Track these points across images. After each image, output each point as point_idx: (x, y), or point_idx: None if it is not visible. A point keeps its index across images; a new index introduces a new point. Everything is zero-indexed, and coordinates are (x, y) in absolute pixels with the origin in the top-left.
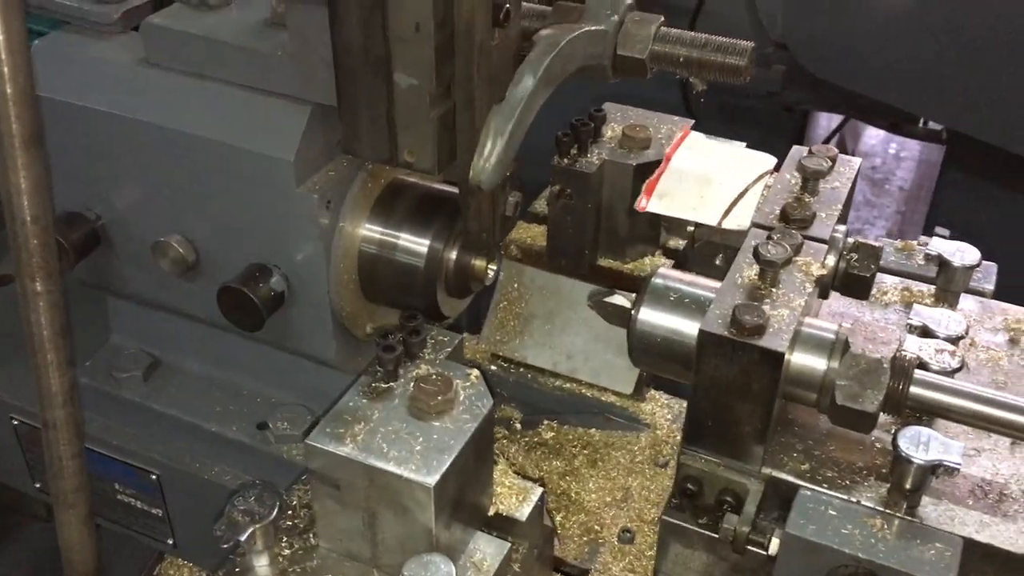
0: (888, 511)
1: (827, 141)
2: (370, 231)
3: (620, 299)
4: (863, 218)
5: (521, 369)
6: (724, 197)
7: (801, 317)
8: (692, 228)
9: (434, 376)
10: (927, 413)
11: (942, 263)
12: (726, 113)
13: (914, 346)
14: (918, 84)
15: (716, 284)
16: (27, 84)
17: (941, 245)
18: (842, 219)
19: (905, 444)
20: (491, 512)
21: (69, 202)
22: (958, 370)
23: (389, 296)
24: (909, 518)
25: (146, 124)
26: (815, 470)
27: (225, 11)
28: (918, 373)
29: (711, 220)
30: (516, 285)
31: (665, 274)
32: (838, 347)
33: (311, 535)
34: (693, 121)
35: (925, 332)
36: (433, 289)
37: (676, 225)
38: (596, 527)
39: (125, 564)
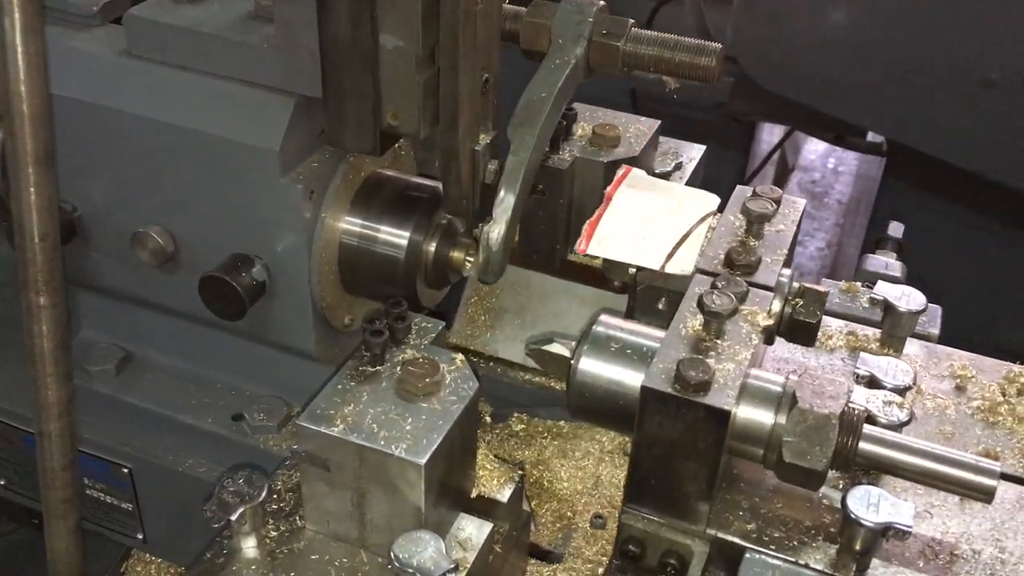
0: (838, 575)
1: (771, 154)
2: (351, 223)
3: (559, 348)
4: (804, 230)
5: (491, 363)
6: (667, 239)
7: (748, 369)
8: (634, 271)
9: (421, 360)
10: (876, 470)
11: (887, 307)
12: (673, 124)
13: (862, 398)
14: (860, 96)
15: (660, 333)
16: (43, 105)
17: (887, 289)
18: (787, 263)
19: (855, 505)
20: (473, 494)
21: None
22: (907, 423)
23: (369, 287)
24: None
25: (128, 115)
26: (762, 530)
27: (207, 4)
28: (867, 428)
29: (653, 264)
30: None
31: (607, 322)
32: (785, 401)
33: (297, 518)
34: (659, 122)
35: (872, 382)
36: (413, 280)
37: (617, 267)
38: (569, 513)
39: (90, 560)
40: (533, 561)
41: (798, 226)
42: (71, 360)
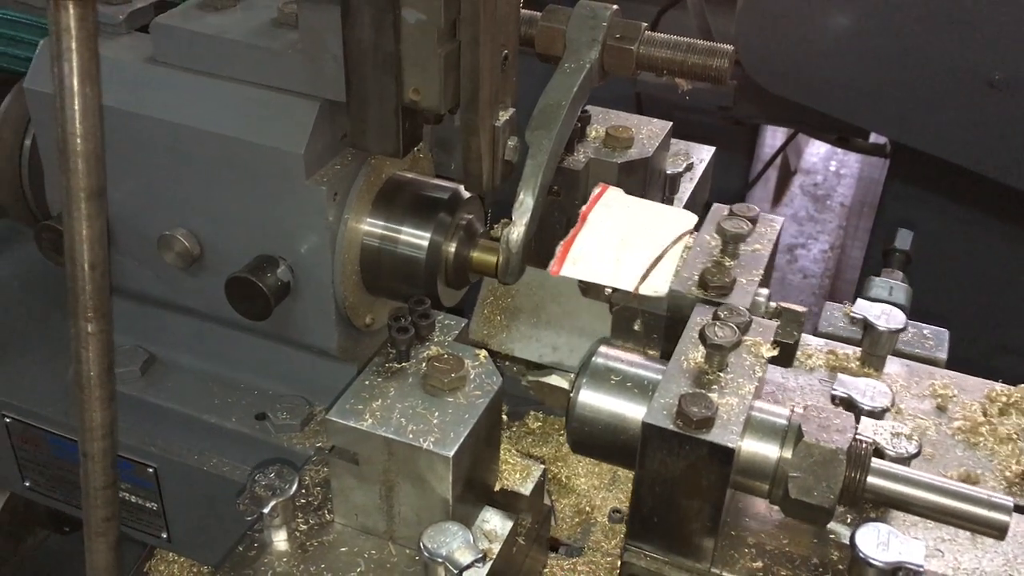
0: None
1: (775, 156)
2: (372, 224)
3: (558, 380)
4: (807, 233)
5: (507, 362)
6: (642, 260)
7: (752, 402)
8: (609, 291)
9: (446, 356)
10: (885, 505)
11: (867, 326)
12: (677, 127)
13: (869, 429)
14: (864, 98)
15: (660, 365)
16: (98, 146)
17: (866, 308)
18: (764, 282)
19: (864, 544)
20: (497, 488)
21: None
22: (916, 455)
23: (390, 287)
24: None
25: (155, 120)
26: (768, 568)
27: (231, 12)
28: (875, 463)
29: (628, 285)
30: None
31: (606, 353)
32: (791, 435)
33: (326, 512)
34: (671, 124)
35: (850, 404)
36: (434, 280)
37: (592, 287)
38: (587, 508)
39: None
40: (553, 555)
41: (775, 244)
42: (115, 382)
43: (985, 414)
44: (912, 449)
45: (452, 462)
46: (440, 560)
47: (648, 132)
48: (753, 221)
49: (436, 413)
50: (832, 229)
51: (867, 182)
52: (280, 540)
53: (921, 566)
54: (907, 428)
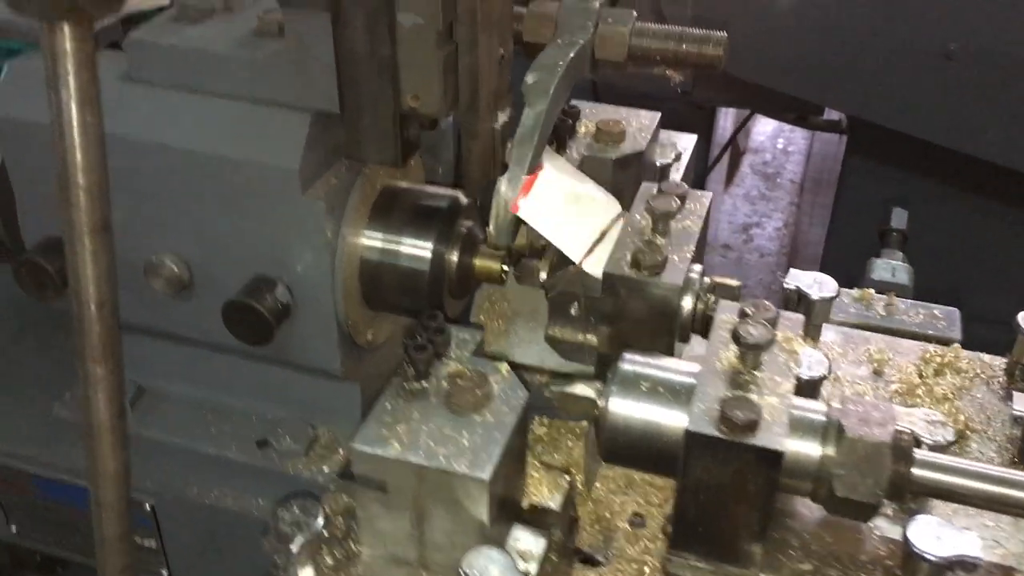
0: None
1: (732, 137)
2: (371, 237)
3: (583, 389)
4: (760, 211)
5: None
6: (587, 232)
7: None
8: (544, 275)
9: (468, 372)
10: (931, 496)
11: (800, 296)
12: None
13: (904, 418)
14: (821, 75)
15: (689, 366)
16: (101, 176)
17: (798, 277)
18: (698, 259)
19: (917, 539)
20: (524, 504)
21: (49, 227)
22: (954, 443)
23: (393, 301)
24: None
25: (135, 141)
26: (818, 570)
27: (208, 24)
28: (919, 454)
29: (574, 255)
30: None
31: (633, 359)
32: (832, 431)
33: (352, 542)
34: (659, 114)
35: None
36: (439, 291)
37: (526, 274)
38: (606, 514)
39: None
40: (578, 565)
41: (706, 220)
42: (127, 426)
43: (921, 375)
44: (949, 436)
45: (489, 484)
46: None
47: (638, 124)
48: (682, 198)
49: (465, 434)
50: (784, 206)
51: (817, 158)
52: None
53: (979, 558)
54: (941, 415)
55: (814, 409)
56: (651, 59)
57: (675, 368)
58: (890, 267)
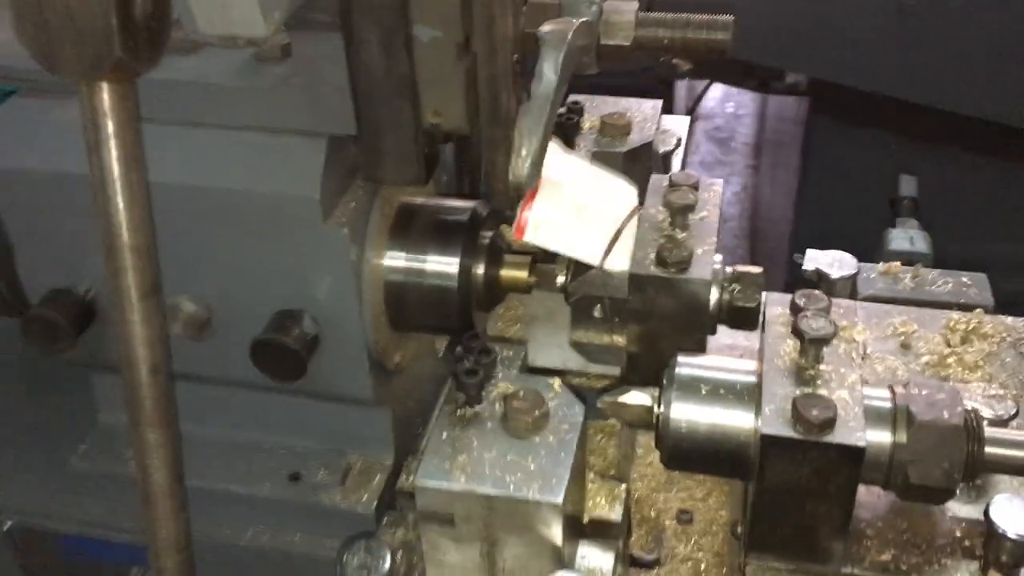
0: None
1: (694, 107)
2: (394, 258)
3: (639, 397)
4: (716, 176)
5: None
6: (601, 233)
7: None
8: (562, 279)
9: (521, 392)
10: (1003, 473)
11: (820, 276)
12: (598, 90)
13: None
14: (780, 40)
15: (746, 364)
16: (149, 236)
17: (817, 257)
18: (716, 249)
19: (1000, 518)
20: (585, 519)
21: (53, 278)
22: (1015, 415)
23: (421, 321)
24: None
25: None
26: (898, 558)
27: (202, 54)
28: (988, 431)
29: (593, 260)
30: None
31: (688, 362)
32: (901, 417)
33: None
34: (661, 102)
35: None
36: (468, 307)
37: (544, 279)
38: (652, 514)
39: None
40: (633, 569)
41: (720, 209)
42: (185, 491)
43: (948, 344)
44: (1011, 409)
45: (561, 508)
46: None
47: (642, 114)
48: (695, 188)
49: (530, 458)
50: (740, 170)
51: (771, 120)
52: None
53: None
54: (1000, 390)
55: (880, 396)
56: (659, 47)
57: (734, 368)
58: (907, 236)
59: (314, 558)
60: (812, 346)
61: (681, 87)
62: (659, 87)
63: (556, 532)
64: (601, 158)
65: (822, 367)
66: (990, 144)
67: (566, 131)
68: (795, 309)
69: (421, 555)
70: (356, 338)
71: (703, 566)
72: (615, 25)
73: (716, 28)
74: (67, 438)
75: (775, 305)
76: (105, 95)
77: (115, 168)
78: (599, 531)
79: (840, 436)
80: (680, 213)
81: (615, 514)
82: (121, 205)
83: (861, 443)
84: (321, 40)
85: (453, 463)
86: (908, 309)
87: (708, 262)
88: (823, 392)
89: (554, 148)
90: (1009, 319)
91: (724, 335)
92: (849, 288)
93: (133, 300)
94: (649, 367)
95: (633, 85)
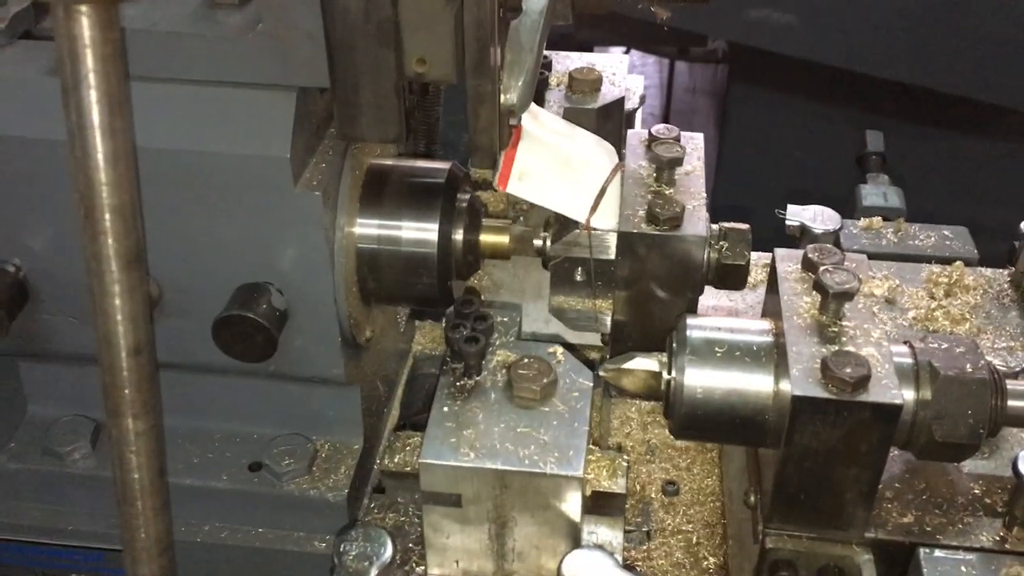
0: (1021, 551)
1: None
2: (366, 225)
3: (646, 362)
4: None
5: None
6: (586, 189)
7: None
8: (539, 243)
9: (526, 360)
10: (1020, 427)
11: (803, 231)
12: None
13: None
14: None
15: (758, 323)
16: (133, 195)
17: (799, 212)
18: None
19: None
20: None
21: None
22: None
23: (395, 292)
24: None
25: None
26: (920, 520)
27: (148, 1)
28: (1010, 384)
29: (579, 216)
30: None
31: (699, 324)
32: (924, 374)
33: (413, 564)
34: (628, 56)
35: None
36: (448, 275)
37: (521, 244)
38: (637, 487)
39: None
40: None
41: (703, 163)
42: (167, 487)
43: (933, 298)
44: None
45: (581, 481)
46: None
47: (610, 69)
48: (677, 141)
49: (542, 430)
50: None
51: (678, 90)
52: None
53: None
54: (1006, 341)
55: (900, 353)
56: None
57: (747, 328)
58: (880, 192)
59: (281, 552)
60: (834, 301)
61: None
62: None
63: (575, 507)
64: (573, 114)
65: (844, 324)
66: (924, 110)
67: (537, 89)
68: (808, 265)
69: (416, 539)
70: (327, 312)
71: (695, 538)
72: None
73: None
74: None
75: (785, 260)
76: (86, 21)
77: (95, 112)
78: (603, 504)
79: (875, 394)
80: (668, 167)
81: (617, 487)
82: (102, 158)
83: (898, 400)
84: None
85: (459, 438)
86: (888, 264)
87: (700, 218)
88: (850, 349)
89: (532, 108)
90: (988, 271)
91: (708, 295)
92: (831, 243)
93: (114, 270)
94: (637, 332)
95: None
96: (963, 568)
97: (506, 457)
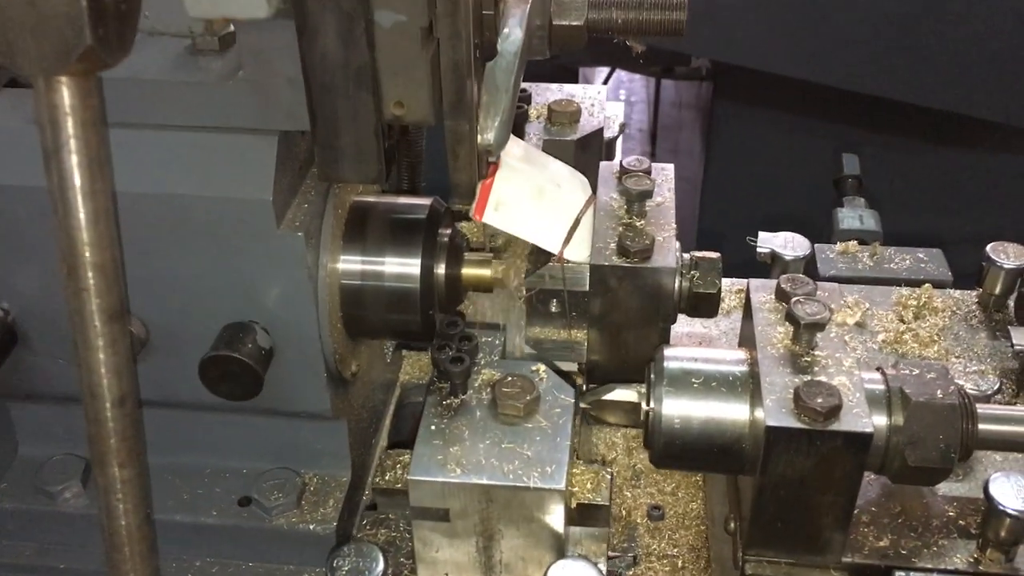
0: (995, 573)
1: None
2: (349, 261)
3: (625, 394)
4: None
5: None
6: (560, 221)
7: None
8: (513, 275)
9: (510, 379)
10: (994, 449)
11: (774, 257)
12: None
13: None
14: (688, 23)
15: (734, 354)
16: (115, 253)
17: (769, 239)
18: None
19: (1001, 496)
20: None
21: None
22: (998, 391)
23: (379, 327)
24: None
25: None
26: (896, 543)
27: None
28: (981, 408)
29: (552, 247)
30: None
31: (676, 355)
32: (895, 400)
33: None
34: (606, 87)
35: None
36: (430, 309)
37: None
38: (623, 512)
39: None
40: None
41: (673, 193)
42: (155, 531)
43: (902, 320)
44: (995, 385)
45: (564, 494)
46: None
47: (589, 100)
48: (648, 173)
49: (525, 445)
50: (639, 155)
51: (665, 106)
52: None
53: None
54: (981, 365)
55: (872, 380)
56: (612, 27)
57: (723, 359)
58: (857, 215)
59: None
60: (806, 332)
61: (581, 75)
62: (563, 75)
63: (558, 520)
64: (552, 146)
65: (817, 353)
66: (904, 124)
67: (517, 122)
68: (781, 295)
69: (408, 554)
70: (313, 349)
71: (680, 563)
72: (568, 4)
73: (671, 8)
74: None
75: (759, 291)
76: (66, 91)
77: (76, 176)
78: (587, 516)
79: (847, 423)
80: (638, 200)
81: (602, 498)
82: (84, 218)
83: (869, 429)
84: (273, 29)
85: (446, 455)
86: (859, 288)
87: (670, 249)
88: (822, 379)
89: (511, 139)
90: (957, 292)
91: (682, 323)
92: (801, 269)
93: (97, 324)
94: (613, 364)
95: (534, 73)
96: None
97: (491, 472)
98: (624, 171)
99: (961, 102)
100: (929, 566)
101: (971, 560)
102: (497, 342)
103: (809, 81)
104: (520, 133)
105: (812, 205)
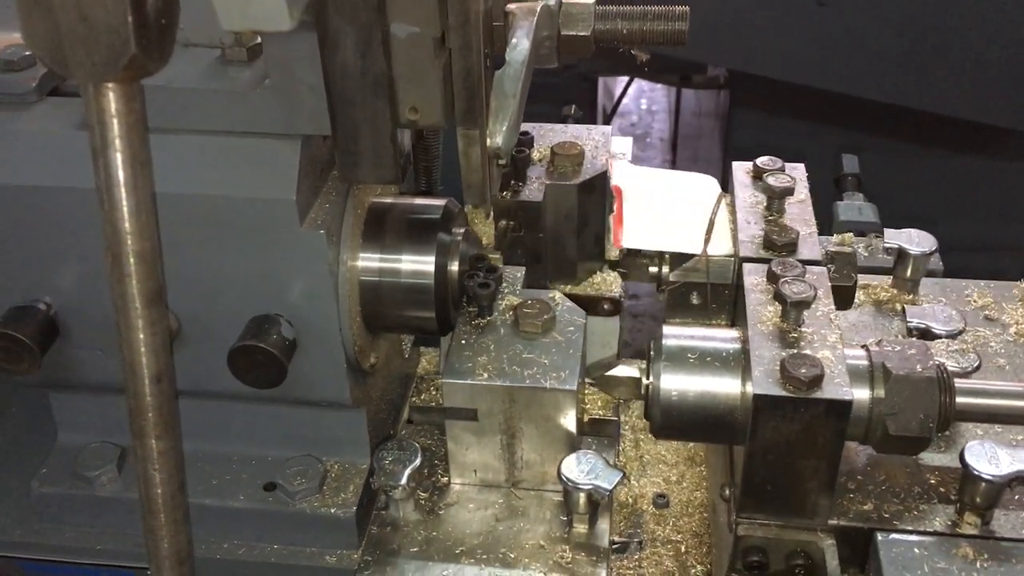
0: (971, 535)
1: (618, 103)
2: (368, 259)
3: (627, 370)
4: None
5: None
6: (694, 224)
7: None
8: (655, 270)
9: (529, 302)
10: (972, 421)
11: (900, 254)
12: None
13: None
14: (704, 34)
15: (729, 333)
16: (155, 243)
17: (894, 236)
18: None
19: (975, 462)
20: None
21: (11, 296)
22: (977, 368)
23: (396, 322)
24: (993, 537)
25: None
26: (879, 507)
27: None
28: (959, 382)
29: (695, 249)
30: None
31: (675, 333)
32: (878, 374)
33: (439, 476)
34: (611, 127)
35: (925, 333)
36: (445, 305)
37: (636, 268)
38: (629, 500)
39: None
40: (614, 555)
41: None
42: (187, 502)
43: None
44: (974, 362)
45: (576, 395)
46: (588, 486)
47: (592, 141)
48: (783, 171)
49: (543, 355)
50: (658, 164)
51: (685, 115)
52: (409, 511)
53: None
54: (960, 344)
55: (856, 356)
56: (618, 37)
57: (717, 336)
58: (855, 207)
59: (295, 567)
60: (794, 309)
61: (601, 84)
62: (583, 84)
63: (571, 418)
64: (555, 192)
65: (804, 329)
66: (912, 130)
67: (516, 164)
68: (772, 277)
69: (441, 457)
70: (334, 341)
71: (683, 548)
72: (575, 15)
73: (674, 19)
74: (30, 462)
75: (752, 274)
76: (112, 96)
77: (121, 172)
78: (598, 428)
79: (828, 392)
80: (779, 197)
81: (610, 413)
82: (127, 211)
83: (848, 397)
84: (296, 40)
85: (475, 363)
86: (977, 282)
87: (814, 243)
88: (808, 352)
89: (622, 164)
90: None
91: None
92: (927, 264)
93: (137, 307)
94: None
95: (553, 83)
96: (916, 550)
97: (514, 376)
98: (759, 170)
99: (979, 111)
100: (909, 528)
101: (949, 523)
102: (519, 276)
103: (819, 88)
104: (522, 176)
105: (826, 209)
